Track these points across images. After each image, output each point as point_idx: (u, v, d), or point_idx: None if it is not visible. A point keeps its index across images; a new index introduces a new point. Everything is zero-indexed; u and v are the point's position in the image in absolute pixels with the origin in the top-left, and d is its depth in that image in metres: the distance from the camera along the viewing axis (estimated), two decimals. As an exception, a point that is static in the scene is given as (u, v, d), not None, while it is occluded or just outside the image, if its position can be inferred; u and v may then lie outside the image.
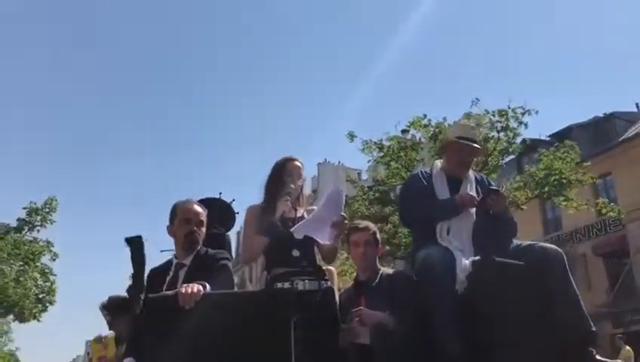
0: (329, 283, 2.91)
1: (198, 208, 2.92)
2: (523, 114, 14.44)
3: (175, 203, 2.99)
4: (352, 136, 14.88)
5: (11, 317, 16.78)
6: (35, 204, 17.18)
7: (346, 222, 2.87)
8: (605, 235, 20.26)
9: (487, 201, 2.86)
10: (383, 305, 2.80)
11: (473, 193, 2.95)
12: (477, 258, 2.75)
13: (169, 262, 2.94)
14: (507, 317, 2.60)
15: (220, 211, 4.02)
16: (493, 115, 14.06)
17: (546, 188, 14.25)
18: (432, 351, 2.66)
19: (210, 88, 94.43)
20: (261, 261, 3.11)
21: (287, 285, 2.73)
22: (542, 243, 2.92)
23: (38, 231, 17.11)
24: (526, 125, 14.56)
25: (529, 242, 2.92)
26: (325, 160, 43.48)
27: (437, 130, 14.37)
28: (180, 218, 2.89)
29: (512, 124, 14.00)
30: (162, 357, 2.27)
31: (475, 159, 3.08)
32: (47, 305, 17.08)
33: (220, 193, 4.43)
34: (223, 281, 2.62)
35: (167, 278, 2.82)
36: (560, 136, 19.81)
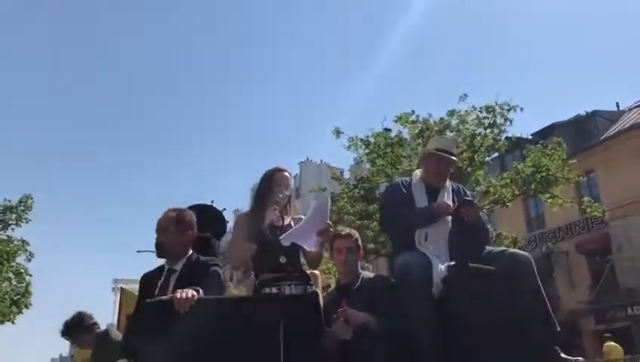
0: (314, 287, 3.10)
1: (164, 219, 3.13)
2: (509, 110, 14.30)
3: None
4: (338, 133, 14.80)
5: (-14, 320, 15.91)
6: (10, 201, 16.73)
7: (331, 230, 3.05)
8: (588, 233, 20.68)
9: (462, 211, 3.06)
10: (362, 307, 2.98)
11: (450, 202, 3.16)
12: (452, 263, 2.95)
13: (161, 268, 3.08)
14: (479, 319, 2.80)
15: (211, 218, 4.28)
16: (481, 111, 13.86)
17: (533, 186, 14.15)
18: (409, 351, 2.84)
19: (196, 88, 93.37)
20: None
21: (274, 290, 2.88)
22: (512, 250, 3.19)
23: (13, 229, 16.69)
24: (511, 122, 14.42)
25: (500, 248, 3.19)
26: (307, 158, 43.06)
27: (424, 126, 14.14)
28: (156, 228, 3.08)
29: (499, 120, 13.77)
30: (158, 359, 2.38)
31: (451, 170, 3.37)
32: (23, 307, 16.23)
33: (212, 201, 4.65)
34: (213, 287, 2.77)
35: (159, 283, 2.96)
36: (543, 135, 19.94)
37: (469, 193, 3.40)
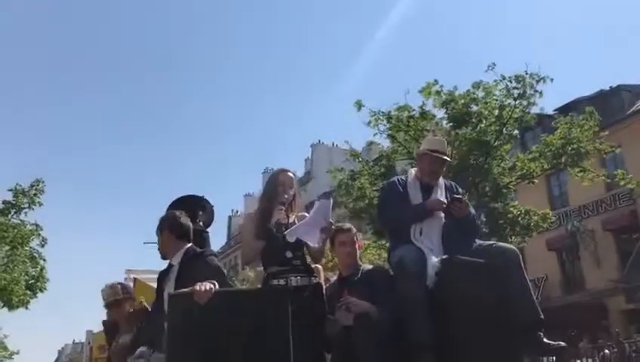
0: (317, 279, 3.45)
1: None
2: (537, 81, 13.61)
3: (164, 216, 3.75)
4: (359, 105, 14.22)
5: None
6: (21, 185, 16.75)
7: (333, 227, 3.40)
8: (615, 210, 20.18)
9: (452, 208, 3.38)
10: (363, 298, 3.28)
11: (442, 198, 3.47)
12: (445, 257, 3.27)
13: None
14: (469, 308, 3.11)
15: (201, 209, 4.76)
16: (510, 81, 13.20)
17: (563, 159, 13.48)
18: (404, 337, 3.15)
19: (197, 64, 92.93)
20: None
21: (282, 281, 3.22)
22: (500, 243, 3.53)
23: (26, 214, 16.73)
24: (540, 93, 13.74)
25: (489, 242, 3.51)
26: (319, 141, 42.48)
27: (449, 97, 13.53)
28: None
29: (529, 91, 13.13)
30: (182, 346, 2.70)
31: (444, 168, 3.66)
32: (38, 292, 15.92)
33: (203, 196, 5.01)
34: (213, 276, 3.00)
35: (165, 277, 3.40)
36: (566, 111, 19.22)
37: (460, 190, 3.67)
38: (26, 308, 16.52)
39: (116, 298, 4.77)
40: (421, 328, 3.10)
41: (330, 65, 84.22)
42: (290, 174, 3.59)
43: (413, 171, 3.72)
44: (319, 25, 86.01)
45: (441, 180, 3.62)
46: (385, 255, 15.74)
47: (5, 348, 24.25)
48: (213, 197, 5.19)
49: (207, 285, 2.75)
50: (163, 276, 3.43)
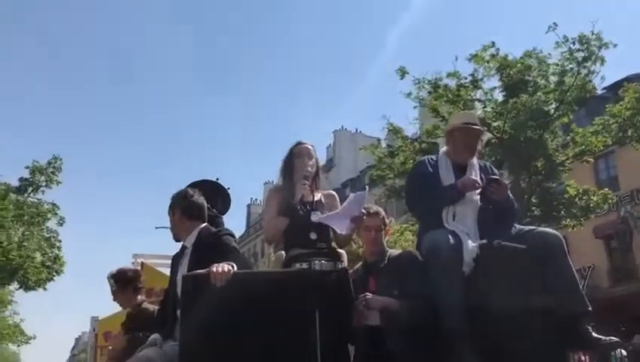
0: (343, 264, 3.27)
1: None
2: (600, 47, 12.27)
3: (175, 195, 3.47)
4: (403, 73, 13.04)
5: (15, 285, 15.03)
6: (39, 162, 16.45)
7: (368, 207, 3.29)
8: None
9: (489, 190, 3.19)
10: (391, 286, 3.17)
11: (477, 179, 3.27)
12: (483, 241, 3.09)
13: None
14: (509, 298, 2.91)
15: (216, 194, 4.58)
16: (573, 43, 11.90)
17: (629, 132, 12.15)
18: (439, 331, 2.98)
19: (221, 50, 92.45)
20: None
21: (305, 265, 3.03)
22: (542, 228, 3.31)
23: (43, 192, 16.58)
24: (603, 61, 12.38)
25: (530, 227, 3.29)
26: (342, 127, 41.62)
27: (504, 62, 12.28)
28: None
29: (595, 53, 11.84)
30: (197, 332, 2.50)
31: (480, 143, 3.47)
32: (54, 274, 15.20)
33: (217, 178, 4.80)
34: (229, 256, 2.82)
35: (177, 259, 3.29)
36: (617, 89, 17.70)
37: (496, 171, 3.50)
38: (44, 288, 15.80)
39: (113, 289, 4.75)
40: (458, 319, 2.94)
41: (354, 55, 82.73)
42: (307, 145, 3.44)
43: (443, 150, 3.52)
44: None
45: (475, 160, 3.44)
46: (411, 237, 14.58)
47: (22, 333, 23.79)
48: (232, 186, 5.13)
49: (224, 266, 2.61)
50: (176, 259, 3.32)
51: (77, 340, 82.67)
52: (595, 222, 18.75)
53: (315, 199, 3.26)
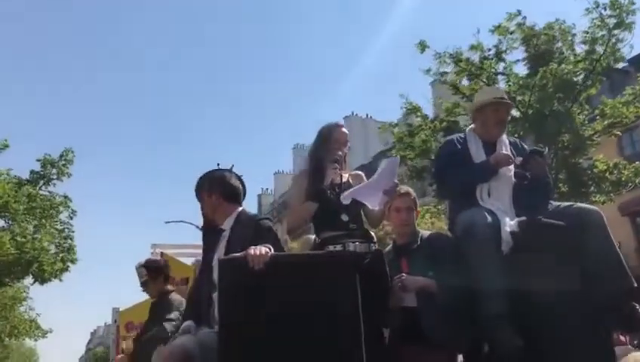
0: (377, 245, 3.22)
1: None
2: (628, 14, 11.68)
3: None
4: (423, 47, 12.47)
5: (30, 279, 14.99)
6: (50, 155, 16.58)
7: (398, 188, 3.19)
8: None
9: (531, 162, 3.11)
10: (425, 268, 3.12)
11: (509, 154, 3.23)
12: (522, 218, 3.01)
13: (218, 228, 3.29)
14: (551, 276, 2.84)
15: None
16: (605, 9, 11.33)
17: (665, 102, 11.65)
18: (478, 312, 2.90)
19: (229, 42, 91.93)
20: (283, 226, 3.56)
21: (338, 247, 2.98)
22: (580, 204, 3.21)
23: (54, 185, 16.67)
24: (630, 29, 11.75)
25: (566, 203, 3.19)
26: (352, 113, 41.23)
27: (531, 32, 11.72)
28: None
29: (627, 18, 11.28)
30: (236, 316, 2.47)
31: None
32: (69, 264, 15.08)
33: (218, 164, 4.87)
34: (269, 241, 2.78)
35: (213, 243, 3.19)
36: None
37: (525, 146, 3.45)
38: (60, 279, 15.82)
39: (144, 279, 4.77)
40: (498, 300, 2.85)
41: (357, 38, 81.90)
42: (345, 130, 3.36)
43: (471, 128, 3.47)
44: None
45: (504, 136, 3.39)
46: (439, 223, 14.13)
47: (39, 327, 23.77)
48: (243, 175, 5.09)
49: (262, 249, 2.57)
50: (210, 243, 3.23)
51: (92, 334, 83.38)
52: (620, 199, 18.24)
53: (343, 180, 3.23)
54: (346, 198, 3.05)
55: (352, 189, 3.09)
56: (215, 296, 2.82)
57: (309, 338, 2.40)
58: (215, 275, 2.86)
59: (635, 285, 2.93)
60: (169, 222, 21.08)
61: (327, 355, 2.40)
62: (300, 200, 3.22)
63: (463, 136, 3.43)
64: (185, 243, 8.57)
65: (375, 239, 3.25)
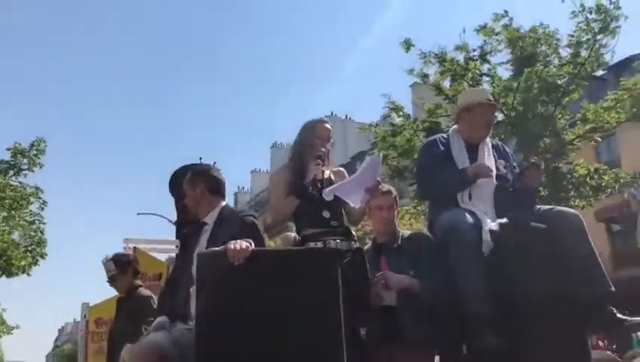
0: (358, 243, 3.21)
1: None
2: (612, 19, 11.77)
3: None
4: (408, 45, 12.37)
5: (-3, 271, 14.51)
6: (21, 145, 16.09)
7: (380, 186, 3.19)
8: None
9: (527, 174, 3.17)
10: (405, 267, 3.13)
11: (491, 159, 3.28)
12: (504, 220, 3.04)
13: (198, 222, 3.24)
14: (531, 279, 2.87)
15: None
16: (590, 12, 11.38)
17: (645, 108, 11.74)
18: (459, 312, 2.93)
19: (203, 32, 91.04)
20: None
21: (319, 244, 2.97)
22: (560, 208, 3.28)
23: (25, 175, 16.22)
24: (614, 33, 11.82)
25: (547, 206, 3.25)
26: (332, 113, 41.30)
27: (516, 34, 11.72)
28: None
29: (612, 24, 11.38)
30: (214, 311, 2.42)
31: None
32: (38, 258, 14.61)
33: (200, 158, 4.84)
34: (254, 238, 2.74)
35: (193, 236, 3.14)
36: (620, 69, 17.30)
37: (508, 150, 3.51)
38: (28, 274, 15.27)
39: (112, 273, 4.65)
40: (479, 301, 2.86)
41: (342, 39, 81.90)
42: (329, 126, 3.35)
43: (454, 129, 3.49)
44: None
45: (488, 139, 3.42)
46: (417, 225, 14.05)
47: (4, 323, 23.07)
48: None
49: (242, 243, 2.52)
50: (189, 236, 3.19)
51: (60, 331, 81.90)
52: (597, 205, 18.43)
53: (325, 177, 3.21)
54: (327, 195, 3.03)
55: (334, 186, 3.07)
56: (193, 290, 2.77)
57: (288, 335, 2.38)
58: (194, 270, 2.78)
59: (613, 289, 2.98)
60: (141, 213, 20.68)
61: (307, 353, 2.37)
62: (281, 195, 3.19)
63: (446, 136, 3.45)
64: (158, 238, 8.53)
65: (356, 237, 3.24)
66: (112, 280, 4.72)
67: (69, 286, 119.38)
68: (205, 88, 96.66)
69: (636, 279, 19.17)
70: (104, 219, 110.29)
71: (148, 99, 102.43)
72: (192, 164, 5.02)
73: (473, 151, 3.32)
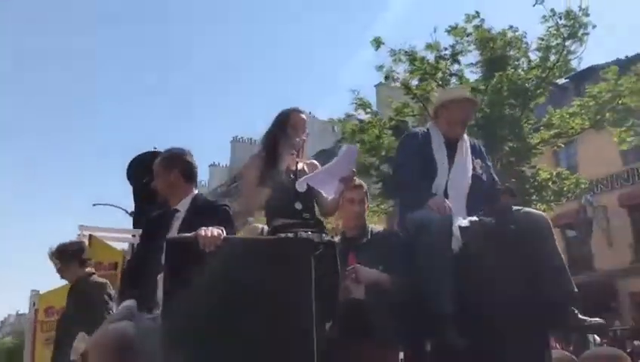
0: (329, 236, 3.21)
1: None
2: (580, 26, 11.97)
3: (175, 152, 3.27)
4: (378, 43, 12.24)
5: None
6: None
7: (355, 179, 3.19)
8: (633, 185, 19.93)
9: (502, 198, 3.21)
10: (374, 263, 3.13)
11: (468, 158, 3.32)
12: (473, 219, 3.08)
13: (165, 209, 3.16)
14: (497, 278, 2.90)
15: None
16: (560, 18, 11.51)
17: (607, 115, 11.87)
18: (426, 308, 2.93)
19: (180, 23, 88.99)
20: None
21: (290, 236, 2.94)
22: (527, 209, 3.31)
23: None
24: (582, 40, 12.02)
25: (515, 207, 3.27)
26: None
27: (487, 36, 11.75)
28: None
29: (580, 30, 11.53)
30: (183, 300, 2.34)
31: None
32: None
33: (155, 147, 4.84)
34: (227, 226, 2.71)
35: (163, 223, 3.04)
36: (579, 80, 17.78)
37: (484, 150, 3.54)
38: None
39: (57, 267, 4.54)
40: (446, 299, 2.88)
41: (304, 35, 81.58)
42: (304, 116, 3.30)
43: (433, 124, 3.51)
44: None
45: (466, 136, 3.46)
46: (380, 223, 13.94)
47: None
48: None
49: (214, 230, 2.48)
50: (155, 223, 3.10)
51: (2, 323, 79.12)
52: (554, 211, 18.84)
53: (299, 168, 3.18)
54: (300, 185, 3.01)
55: (307, 176, 3.05)
56: (160, 278, 2.68)
57: (258, 325, 2.33)
58: (163, 256, 2.75)
59: (576, 290, 3.04)
60: (96, 204, 20.16)
61: (277, 344, 2.34)
62: (252, 184, 3.13)
63: (426, 130, 3.45)
64: (114, 227, 8.14)
65: (327, 230, 3.23)
66: (60, 273, 4.64)
67: (9, 277, 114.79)
68: (162, 81, 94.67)
69: (589, 284, 19.73)
70: (52, 207, 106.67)
71: (102, 88, 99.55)
72: (149, 152, 4.98)
73: (451, 148, 3.34)
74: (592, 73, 19.33)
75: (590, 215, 20.16)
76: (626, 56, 20.91)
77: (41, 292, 7.65)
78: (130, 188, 6.30)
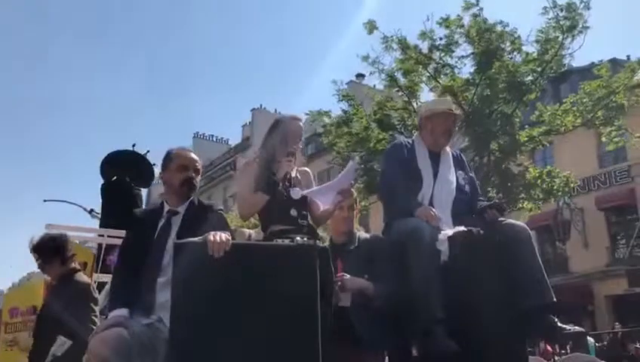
0: (323, 242, 3.38)
1: (194, 155, 3.24)
2: (572, 28, 11.83)
3: (169, 149, 3.25)
4: (371, 27, 11.72)
5: None
6: None
7: (352, 191, 3.31)
8: (609, 188, 19.98)
9: (488, 213, 3.35)
10: (361, 270, 3.27)
11: (452, 170, 3.50)
12: (462, 228, 3.21)
13: (160, 207, 3.19)
14: (481, 288, 3.10)
15: (136, 165, 4.87)
16: (561, 10, 11.25)
17: (599, 113, 11.69)
18: (410, 315, 3.08)
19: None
20: None
21: (286, 242, 3.06)
22: (510, 220, 3.47)
23: None
24: (574, 37, 11.82)
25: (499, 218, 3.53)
26: (261, 106, 40.60)
27: (484, 26, 11.40)
28: (176, 164, 3.14)
29: (580, 24, 11.32)
30: (190, 304, 2.43)
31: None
32: None
33: (134, 145, 4.93)
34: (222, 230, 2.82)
35: (160, 224, 3.06)
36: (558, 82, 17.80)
37: (465, 159, 3.72)
38: None
39: (38, 263, 4.36)
40: (433, 307, 3.01)
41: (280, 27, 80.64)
42: (301, 124, 3.41)
43: (417, 135, 3.69)
44: None
45: (449, 148, 3.65)
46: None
47: None
48: None
49: (222, 235, 2.56)
50: (146, 223, 3.07)
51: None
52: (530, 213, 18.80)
53: (293, 175, 3.29)
54: (295, 193, 3.13)
55: (310, 190, 3.19)
56: (160, 281, 2.80)
57: (266, 330, 2.44)
58: (165, 260, 2.83)
59: (555, 300, 3.20)
60: (48, 200, 19.17)
61: (285, 348, 2.44)
62: (249, 189, 3.21)
63: (410, 142, 3.65)
64: (82, 225, 7.94)
65: (320, 237, 3.37)
66: (42, 269, 4.46)
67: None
68: (129, 74, 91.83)
69: (563, 286, 19.79)
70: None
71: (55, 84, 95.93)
72: (125, 150, 5.04)
73: (435, 160, 3.55)
74: (571, 75, 19.43)
75: (567, 217, 20.49)
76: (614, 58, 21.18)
77: (5, 292, 7.05)
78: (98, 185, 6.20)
